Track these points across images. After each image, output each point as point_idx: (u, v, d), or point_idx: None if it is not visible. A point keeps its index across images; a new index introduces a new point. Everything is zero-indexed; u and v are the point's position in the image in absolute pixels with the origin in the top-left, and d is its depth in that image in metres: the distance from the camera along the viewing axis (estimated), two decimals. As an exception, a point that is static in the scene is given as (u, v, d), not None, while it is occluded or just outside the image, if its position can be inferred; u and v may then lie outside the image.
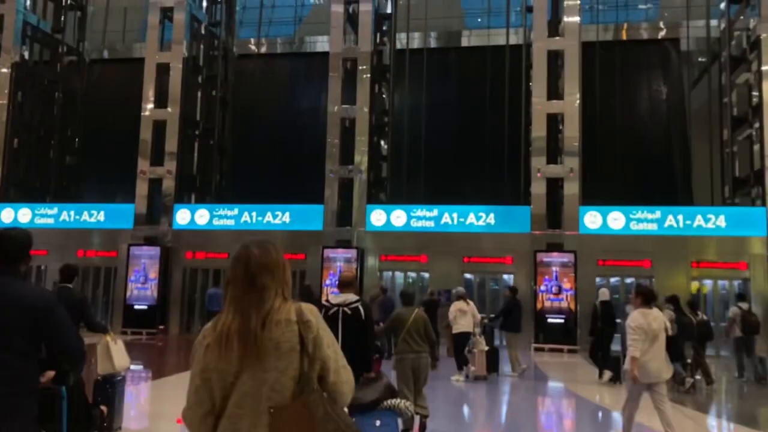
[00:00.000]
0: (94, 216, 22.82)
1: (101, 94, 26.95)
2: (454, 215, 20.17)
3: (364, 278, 20.35)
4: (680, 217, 18.91)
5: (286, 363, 2.30)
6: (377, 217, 20.67)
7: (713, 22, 24.21)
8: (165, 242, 22.06)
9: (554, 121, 20.34)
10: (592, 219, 19.36)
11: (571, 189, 19.55)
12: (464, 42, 27.20)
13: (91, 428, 5.59)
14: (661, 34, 26.52)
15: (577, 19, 20.50)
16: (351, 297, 6.00)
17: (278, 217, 21.44)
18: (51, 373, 3.86)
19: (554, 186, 20.02)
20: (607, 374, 12.73)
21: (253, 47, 28.77)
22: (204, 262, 22.12)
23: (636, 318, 6.95)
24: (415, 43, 25.68)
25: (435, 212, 20.30)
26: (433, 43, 26.69)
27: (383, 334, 8.91)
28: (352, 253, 20.45)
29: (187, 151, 23.36)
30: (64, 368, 3.75)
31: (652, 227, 19.03)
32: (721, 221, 18.65)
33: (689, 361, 12.58)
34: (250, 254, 2.43)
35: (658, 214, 19.03)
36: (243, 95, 26.63)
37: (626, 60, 24.82)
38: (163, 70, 22.82)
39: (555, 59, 20.68)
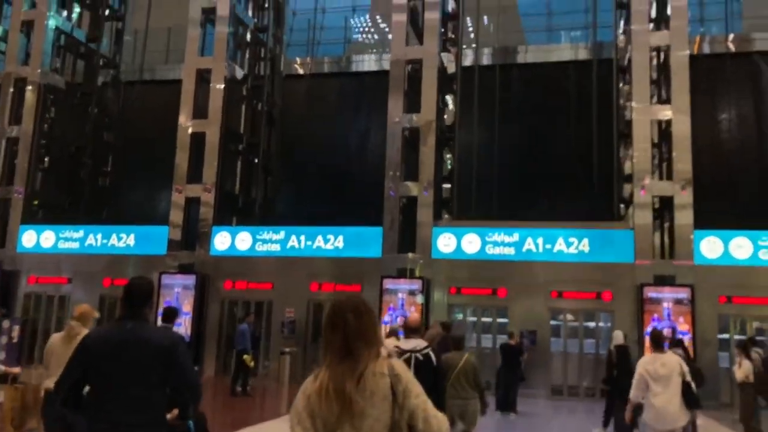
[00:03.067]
0: (124, 240, 19.49)
1: (139, 113, 23.95)
2: (539, 240, 16.26)
3: (430, 315, 16.50)
4: (825, 244, 14.74)
5: (380, 411, 2.50)
6: (445, 242, 16.88)
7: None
8: (201, 270, 18.55)
9: (656, 131, 16.45)
10: (710, 246, 15.28)
11: (684, 210, 15.52)
12: (526, 58, 23.66)
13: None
14: (745, 47, 22.61)
15: (684, 22, 16.64)
16: (421, 342, 5.92)
17: (330, 242, 17.80)
18: (176, 411, 4.08)
19: (659, 206, 16.06)
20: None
21: (298, 68, 25.81)
22: (245, 293, 18.53)
23: (644, 363, 6.79)
24: (470, 60, 22.28)
25: (515, 237, 16.42)
26: (492, 60, 23.24)
27: None
28: (416, 285, 16.67)
29: (229, 168, 19.97)
30: (185, 401, 4.00)
31: (788, 256, 14.87)
32: None
33: None
34: (346, 322, 2.59)
35: (795, 240, 14.88)
36: (290, 114, 23.42)
37: (710, 75, 20.84)
38: (203, 78, 19.60)
39: (657, 58, 16.87)
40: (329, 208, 20.69)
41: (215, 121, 19.21)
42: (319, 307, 17.83)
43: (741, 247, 15.11)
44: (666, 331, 14.78)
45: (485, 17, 25.34)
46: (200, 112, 19.41)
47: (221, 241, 18.58)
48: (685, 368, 6.76)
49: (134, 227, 19.65)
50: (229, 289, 18.55)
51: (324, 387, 2.51)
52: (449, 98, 19.69)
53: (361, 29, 29.52)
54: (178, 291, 18.36)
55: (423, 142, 17.47)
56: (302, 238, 18.06)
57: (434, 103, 17.63)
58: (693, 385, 8.67)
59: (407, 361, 5.64)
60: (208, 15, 19.87)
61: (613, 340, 11.62)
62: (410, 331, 6.03)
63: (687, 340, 14.70)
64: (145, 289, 3.73)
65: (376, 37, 29.06)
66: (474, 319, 17.07)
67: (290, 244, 18.10)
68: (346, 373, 2.51)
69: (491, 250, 16.51)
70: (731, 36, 22.65)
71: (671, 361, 6.69)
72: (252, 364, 14.84)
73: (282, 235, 18.23)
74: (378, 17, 28.97)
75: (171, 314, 7.67)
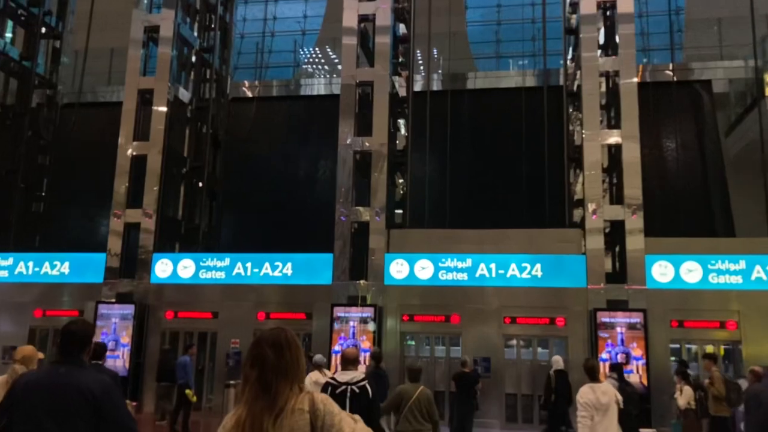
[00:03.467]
0: (57, 268, 18.34)
1: (78, 136, 22.88)
2: (492, 266, 15.99)
3: (383, 343, 15.97)
4: (771, 268, 14.89)
5: None
6: (398, 268, 16.43)
7: (749, 62, 21.23)
8: (141, 299, 17.57)
9: (605, 157, 16.48)
10: (661, 270, 15.28)
11: (635, 234, 15.52)
12: (476, 84, 23.76)
13: None
14: (687, 76, 23.26)
15: (632, 50, 16.82)
16: (358, 375, 5.74)
17: (278, 269, 17.13)
18: None
19: (610, 231, 16.02)
20: None
21: (246, 90, 25.32)
22: (187, 322, 17.63)
23: (585, 393, 6.82)
24: (420, 86, 22.28)
25: (468, 262, 16.11)
26: (442, 86, 23.24)
27: (385, 411, 7.76)
28: (367, 312, 16.12)
29: (171, 192, 19.14)
30: None
31: (736, 280, 14.98)
32: (823, 273, 14.64)
33: None
34: (265, 357, 2.53)
35: (742, 264, 15.01)
36: (237, 138, 22.83)
37: (654, 103, 21.29)
38: (145, 99, 18.79)
39: (605, 84, 16.98)
40: (277, 234, 20.08)
41: (157, 144, 18.39)
42: (266, 337, 17.09)
43: (692, 271, 15.15)
44: (620, 356, 14.68)
45: (435, 49, 25.44)
46: (142, 134, 18.59)
47: (162, 268, 17.67)
48: (620, 396, 7.11)
49: (69, 254, 18.53)
50: (170, 319, 17.61)
51: (241, 424, 2.47)
52: (401, 122, 19.45)
53: (310, 59, 29.24)
54: (115, 321, 17.34)
55: (375, 166, 17.08)
56: (248, 265, 17.33)
57: (386, 126, 17.30)
58: (632, 410, 8.91)
59: (342, 394, 5.57)
60: (151, 34, 19.15)
61: (552, 365, 11.62)
62: (347, 363, 5.93)
63: (641, 366, 14.61)
64: (83, 334, 3.63)
65: (326, 68, 28.74)
66: (428, 338, 16.59)
67: (236, 271, 17.35)
68: (264, 410, 2.47)
69: (444, 276, 16.15)
70: (670, 65, 23.26)
71: (610, 390, 7.01)
72: (194, 399, 14.00)
73: (227, 262, 17.46)
74: (327, 47, 28.71)
75: (100, 351, 7.39)
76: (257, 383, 2.50)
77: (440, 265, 16.20)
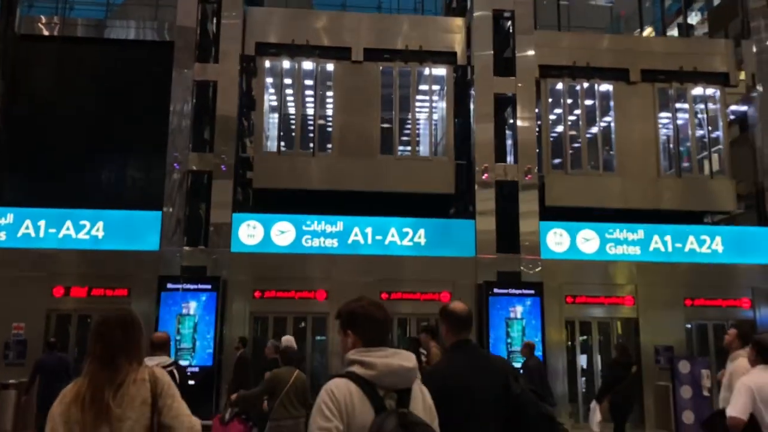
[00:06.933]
0: None
1: None
2: (368, 231, 12.85)
3: (224, 328, 12.21)
4: (668, 239, 13.34)
5: (139, 414, 2.49)
6: (249, 231, 12.70)
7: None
8: None
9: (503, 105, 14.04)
10: (557, 239, 13.15)
11: (529, 197, 13.25)
12: None
13: None
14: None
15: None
16: (165, 360, 5.46)
17: (84, 230, 12.55)
18: None
19: (502, 195, 13.58)
20: None
21: (43, 28, 19.85)
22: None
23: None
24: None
25: (339, 225, 12.83)
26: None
27: (259, 397, 6.74)
28: (207, 286, 12.19)
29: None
30: None
31: (634, 251, 13.25)
32: (718, 244, 13.37)
33: None
34: (113, 337, 2.59)
35: (641, 233, 13.32)
36: (30, 78, 17.49)
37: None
38: None
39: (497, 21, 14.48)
40: (90, 190, 15.19)
41: None
42: (64, 321, 12.51)
43: (588, 240, 13.20)
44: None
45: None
46: None
47: None
48: None
49: None
50: None
51: (81, 394, 2.50)
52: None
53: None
54: None
55: (222, 101, 13.16)
56: (42, 224, 12.54)
57: (239, 52, 13.43)
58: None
59: None
60: None
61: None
62: (156, 348, 5.52)
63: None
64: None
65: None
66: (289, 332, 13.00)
67: (23, 231, 12.48)
68: (105, 382, 2.51)
69: (309, 243, 12.71)
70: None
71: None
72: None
73: (10, 218, 12.51)
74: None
75: None
76: (102, 357, 2.54)
77: (304, 228, 12.73)
